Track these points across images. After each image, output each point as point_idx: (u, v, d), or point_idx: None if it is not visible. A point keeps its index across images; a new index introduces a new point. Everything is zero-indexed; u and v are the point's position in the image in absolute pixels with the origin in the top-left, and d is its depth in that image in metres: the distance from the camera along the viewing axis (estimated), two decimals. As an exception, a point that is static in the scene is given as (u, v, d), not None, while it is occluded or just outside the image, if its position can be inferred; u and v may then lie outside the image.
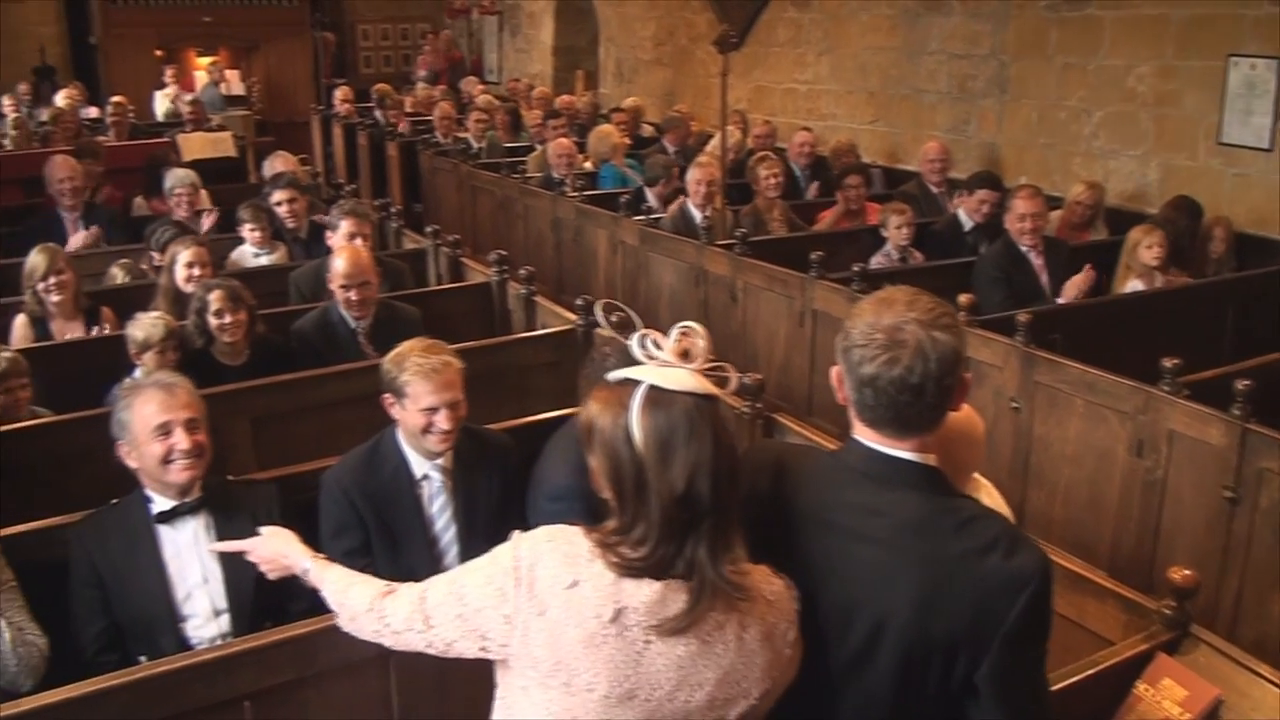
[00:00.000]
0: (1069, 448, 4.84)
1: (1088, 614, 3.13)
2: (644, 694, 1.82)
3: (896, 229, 6.78)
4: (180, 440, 3.17)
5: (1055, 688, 2.43)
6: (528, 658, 1.87)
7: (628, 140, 10.15)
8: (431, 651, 2.04)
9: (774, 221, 7.61)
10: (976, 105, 9.01)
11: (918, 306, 1.92)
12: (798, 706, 2.03)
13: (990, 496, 2.79)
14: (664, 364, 1.85)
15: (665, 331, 1.90)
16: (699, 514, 1.80)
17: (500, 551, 1.93)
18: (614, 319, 2.00)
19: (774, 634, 1.88)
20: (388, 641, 2.11)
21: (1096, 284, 6.13)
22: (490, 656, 1.96)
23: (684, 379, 1.83)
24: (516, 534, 1.94)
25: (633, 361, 1.88)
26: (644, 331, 1.89)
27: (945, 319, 1.93)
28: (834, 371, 2.03)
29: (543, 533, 1.92)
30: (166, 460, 3.17)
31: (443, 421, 3.34)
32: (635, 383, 1.83)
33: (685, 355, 1.87)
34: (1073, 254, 6.42)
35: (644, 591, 1.81)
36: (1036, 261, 6.26)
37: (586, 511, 2.02)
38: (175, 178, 7.22)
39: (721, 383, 1.91)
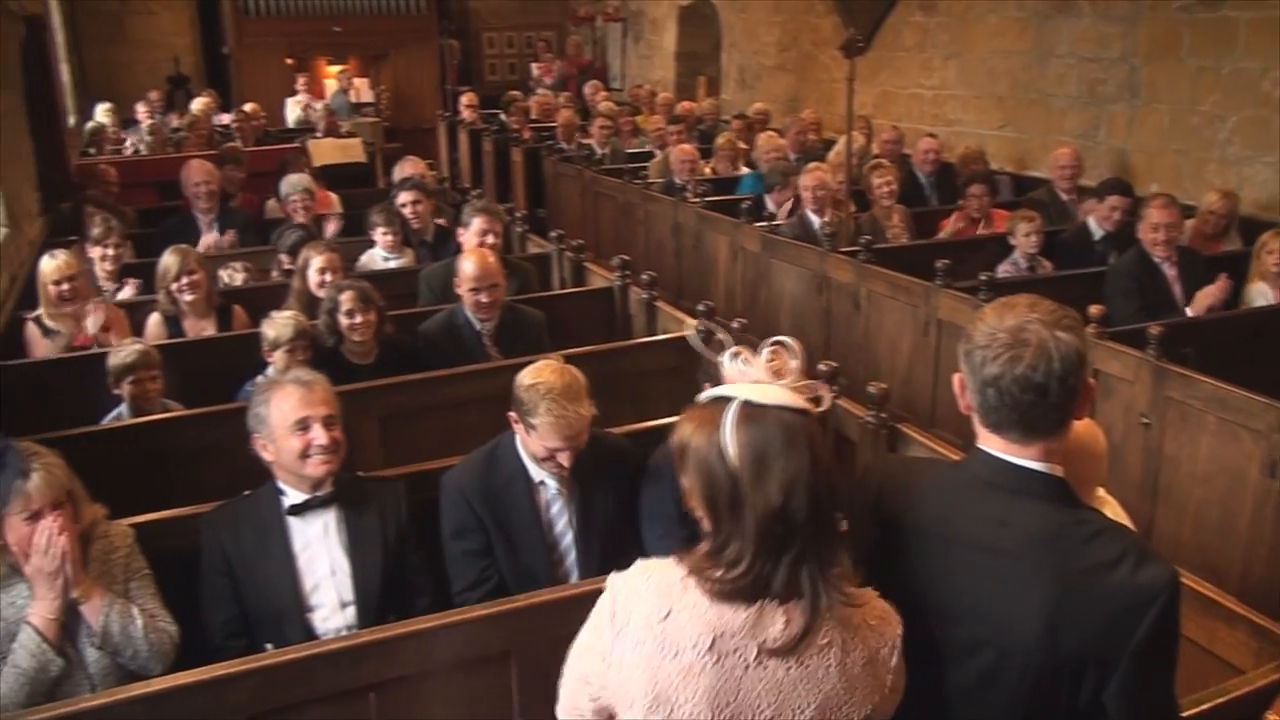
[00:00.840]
0: (1200, 466, 4.68)
1: (1217, 640, 3.03)
2: (747, 718, 1.79)
3: (1025, 237, 6.65)
4: (318, 435, 3.24)
5: (1183, 715, 2.36)
6: (626, 697, 1.85)
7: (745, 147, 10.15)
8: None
9: (894, 229, 7.52)
10: (1106, 110, 8.77)
11: (1040, 309, 1.91)
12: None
13: (1115, 513, 2.72)
14: (756, 381, 1.83)
15: (762, 342, 1.90)
16: (796, 529, 1.77)
17: (603, 596, 1.93)
18: (705, 335, 1.97)
19: (877, 659, 1.84)
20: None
21: (1230, 296, 5.93)
22: (599, 703, 1.94)
23: (777, 394, 1.81)
24: (613, 576, 1.94)
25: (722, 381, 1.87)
26: (735, 349, 1.88)
27: (1067, 320, 1.91)
28: (956, 378, 2.00)
29: (638, 568, 1.91)
30: (304, 454, 3.24)
31: (564, 459, 3.37)
32: (728, 400, 1.81)
33: (777, 374, 1.85)
34: (1207, 265, 6.21)
35: (740, 617, 1.79)
36: (1169, 272, 6.07)
37: (687, 539, 2.01)
38: (290, 184, 7.43)
39: (815, 401, 1.87)
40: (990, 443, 1.97)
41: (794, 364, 1.86)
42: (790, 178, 8.13)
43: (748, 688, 1.79)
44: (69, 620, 2.89)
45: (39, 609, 2.82)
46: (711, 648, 1.78)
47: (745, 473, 1.77)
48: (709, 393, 1.87)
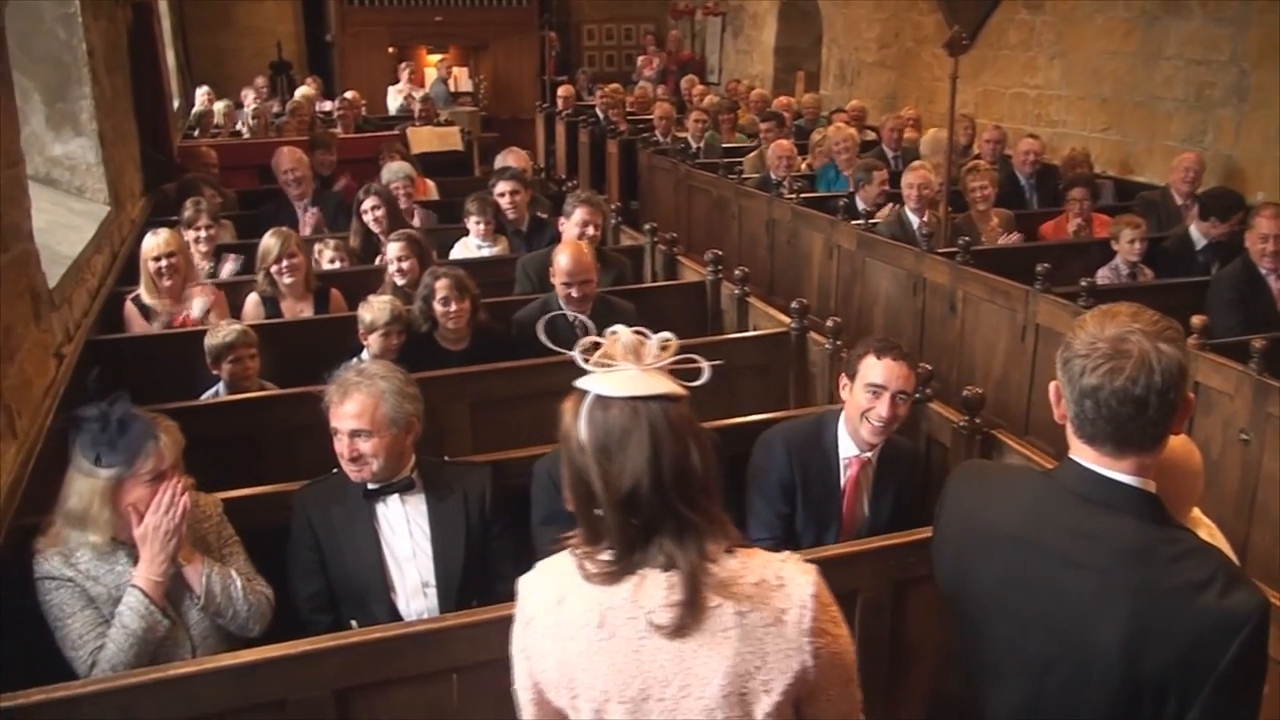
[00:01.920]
0: (1299, 486, 4.54)
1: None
2: (657, 693, 1.78)
3: (1129, 243, 6.49)
4: (341, 447, 3.30)
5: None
6: (551, 685, 1.87)
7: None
8: None
9: (990, 231, 7.39)
10: (1214, 115, 8.51)
11: (1142, 319, 1.87)
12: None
13: (1211, 534, 2.63)
14: (609, 368, 1.81)
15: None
16: (655, 512, 1.76)
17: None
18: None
19: (784, 619, 1.76)
20: None
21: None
22: (535, 702, 1.95)
23: (626, 381, 1.79)
24: (519, 578, 1.97)
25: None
26: (582, 342, 1.85)
27: (1170, 332, 1.87)
28: (1053, 386, 1.97)
29: (537, 566, 1.95)
30: (343, 457, 3.30)
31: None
32: (584, 392, 1.81)
33: (636, 355, 1.82)
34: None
35: (622, 590, 1.79)
36: (1276, 286, 5.90)
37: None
38: (391, 170, 7.53)
39: (696, 375, 1.85)
40: (1082, 454, 1.94)
41: (650, 342, 1.83)
42: (874, 173, 8.00)
43: (648, 659, 1.77)
44: (171, 585, 2.94)
45: (145, 570, 2.86)
46: (601, 625, 1.79)
47: (592, 466, 1.78)
48: (577, 382, 1.85)
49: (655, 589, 1.77)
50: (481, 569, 3.42)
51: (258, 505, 3.46)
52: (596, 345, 1.84)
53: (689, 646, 1.76)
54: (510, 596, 3.05)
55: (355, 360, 4.56)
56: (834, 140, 9.23)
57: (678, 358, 1.84)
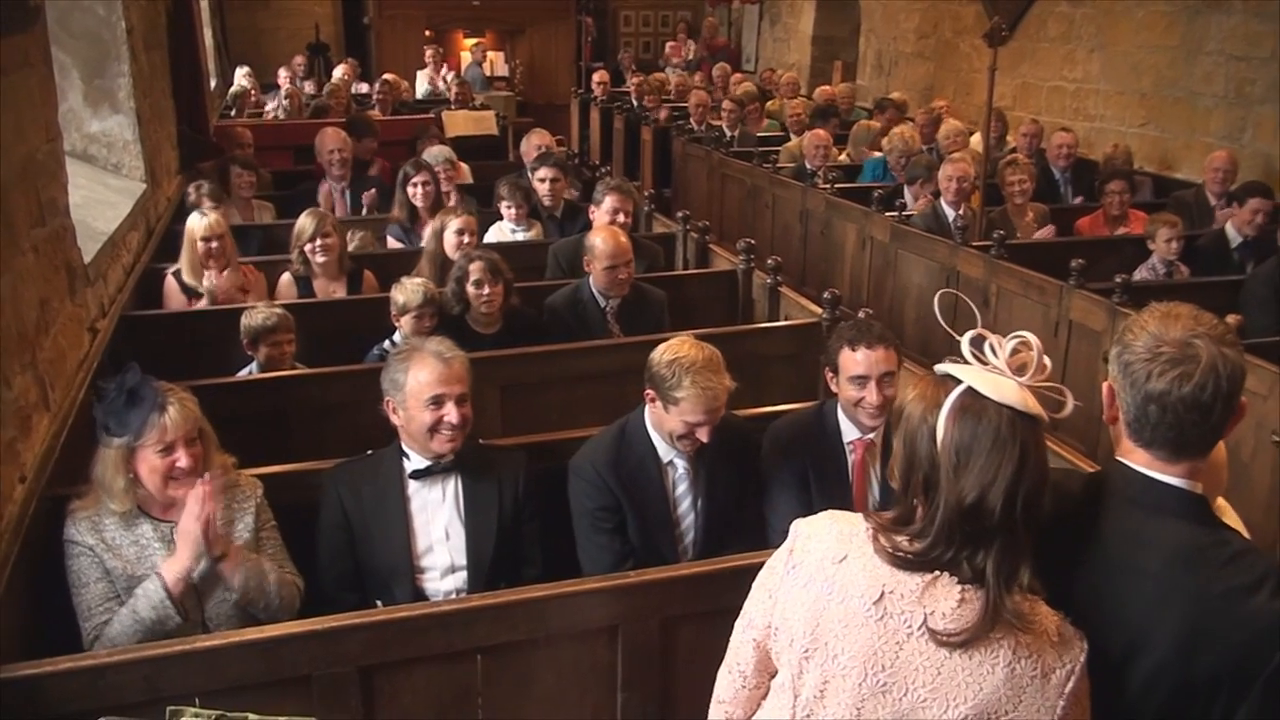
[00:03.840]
0: (1333, 489, 4.49)
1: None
2: (898, 691, 1.77)
3: (1165, 242, 6.42)
4: (450, 414, 3.26)
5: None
6: (787, 634, 1.87)
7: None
8: (733, 676, 2.07)
9: (1026, 226, 7.33)
10: (1254, 111, 8.40)
11: (1204, 321, 1.84)
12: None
13: (1234, 521, 2.61)
14: (993, 370, 1.79)
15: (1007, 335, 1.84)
16: (984, 529, 1.73)
17: (785, 541, 1.95)
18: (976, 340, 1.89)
19: (1050, 677, 1.75)
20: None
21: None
22: (760, 646, 1.96)
23: (1007, 390, 1.76)
24: (797, 521, 1.96)
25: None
26: (981, 332, 1.83)
27: (1230, 336, 1.85)
28: (1105, 387, 1.94)
29: (825, 515, 1.93)
30: (433, 429, 3.27)
31: (702, 435, 3.37)
32: (955, 382, 1.79)
33: (1019, 370, 1.79)
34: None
35: (913, 580, 1.77)
36: (1311, 284, 5.83)
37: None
38: (431, 154, 7.52)
39: (1056, 406, 1.83)
40: (1135, 457, 1.91)
41: (1038, 360, 1.80)
42: (934, 172, 7.94)
43: (906, 658, 1.76)
44: (205, 580, 2.97)
45: (173, 565, 2.88)
46: (878, 601, 1.78)
47: (946, 461, 1.76)
48: (942, 366, 1.83)
49: (947, 593, 1.76)
50: (511, 553, 3.42)
51: (287, 483, 3.46)
52: (983, 337, 1.82)
53: (954, 662, 1.75)
54: (536, 581, 3.11)
55: (388, 342, 4.60)
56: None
57: (1049, 384, 1.82)
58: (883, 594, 1.77)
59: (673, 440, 3.43)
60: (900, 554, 1.78)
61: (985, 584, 1.73)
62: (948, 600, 1.75)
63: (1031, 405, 1.76)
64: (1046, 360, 1.81)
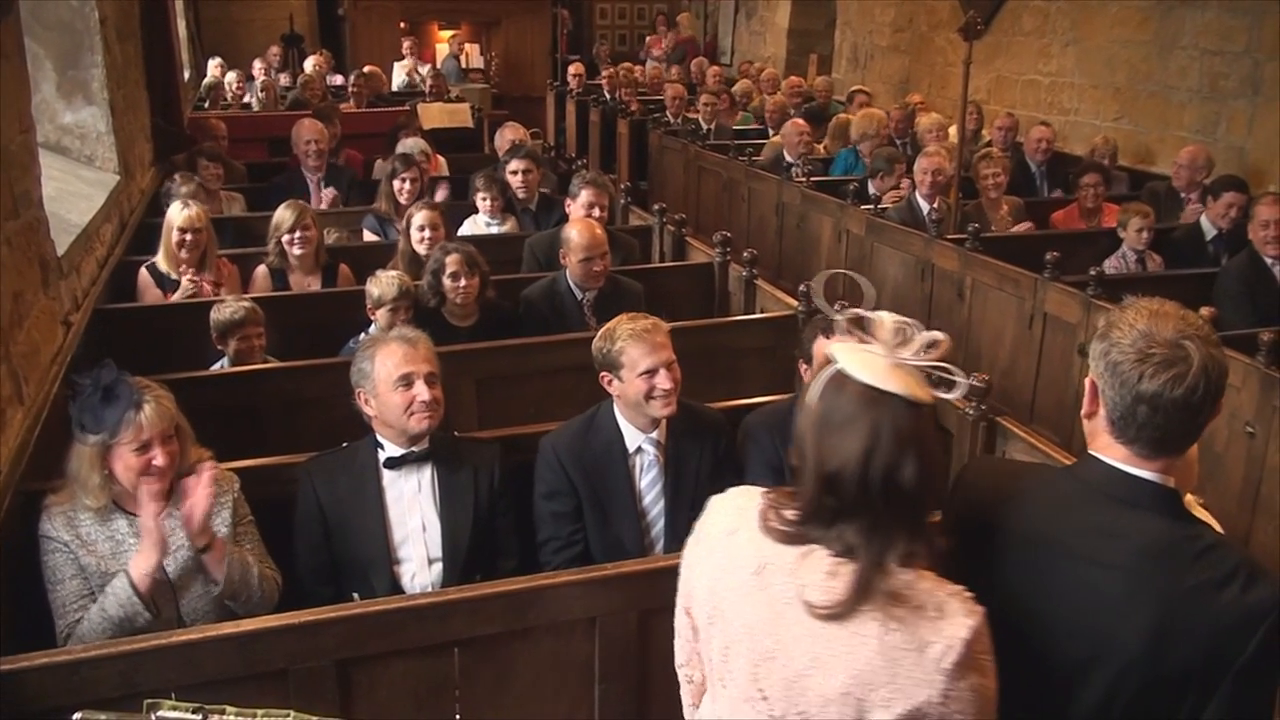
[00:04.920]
0: (1303, 480, 4.54)
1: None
2: (782, 660, 1.79)
3: (1137, 232, 6.47)
4: (421, 392, 3.29)
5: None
6: (696, 598, 1.94)
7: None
8: (680, 641, 2.14)
9: (1001, 219, 7.37)
10: (1227, 106, 8.44)
11: (1191, 322, 1.85)
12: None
13: (1205, 517, 2.63)
14: (868, 350, 1.79)
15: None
16: (847, 504, 1.75)
17: None
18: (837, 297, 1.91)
19: (926, 651, 1.72)
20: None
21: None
22: (685, 610, 2.03)
23: (873, 368, 1.76)
24: (713, 497, 2.02)
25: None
26: (858, 311, 1.84)
27: (1214, 336, 1.86)
28: (1089, 382, 1.94)
29: (732, 490, 1.99)
30: (407, 410, 3.28)
31: (663, 381, 3.37)
32: (833, 360, 1.81)
33: (901, 348, 1.78)
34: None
35: (789, 554, 1.81)
36: (1282, 277, 5.89)
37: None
38: (407, 146, 7.50)
39: (946, 386, 1.81)
40: (1112, 452, 1.91)
41: (920, 338, 1.79)
42: (895, 164, 7.99)
43: (787, 628, 1.78)
44: (188, 567, 2.97)
45: (139, 562, 2.87)
46: (759, 573, 1.82)
47: (810, 437, 1.79)
48: (833, 348, 1.83)
49: (818, 566, 1.78)
50: (487, 545, 3.43)
51: (262, 477, 3.46)
52: (862, 318, 1.82)
53: (829, 633, 1.75)
54: (513, 573, 3.11)
55: (363, 335, 4.59)
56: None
57: (934, 364, 1.79)
58: (763, 566, 1.82)
59: (648, 416, 3.44)
60: (779, 528, 1.83)
61: (858, 555, 1.75)
62: (817, 572, 1.77)
63: (899, 385, 1.75)
64: (941, 337, 1.80)
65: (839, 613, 1.73)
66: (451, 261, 4.81)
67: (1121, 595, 1.84)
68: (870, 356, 1.77)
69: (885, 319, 1.80)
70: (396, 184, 6.54)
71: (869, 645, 1.72)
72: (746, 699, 1.85)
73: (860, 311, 1.84)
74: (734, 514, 1.92)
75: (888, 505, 1.74)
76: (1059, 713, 1.93)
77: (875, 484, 1.73)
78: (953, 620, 1.73)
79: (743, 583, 1.84)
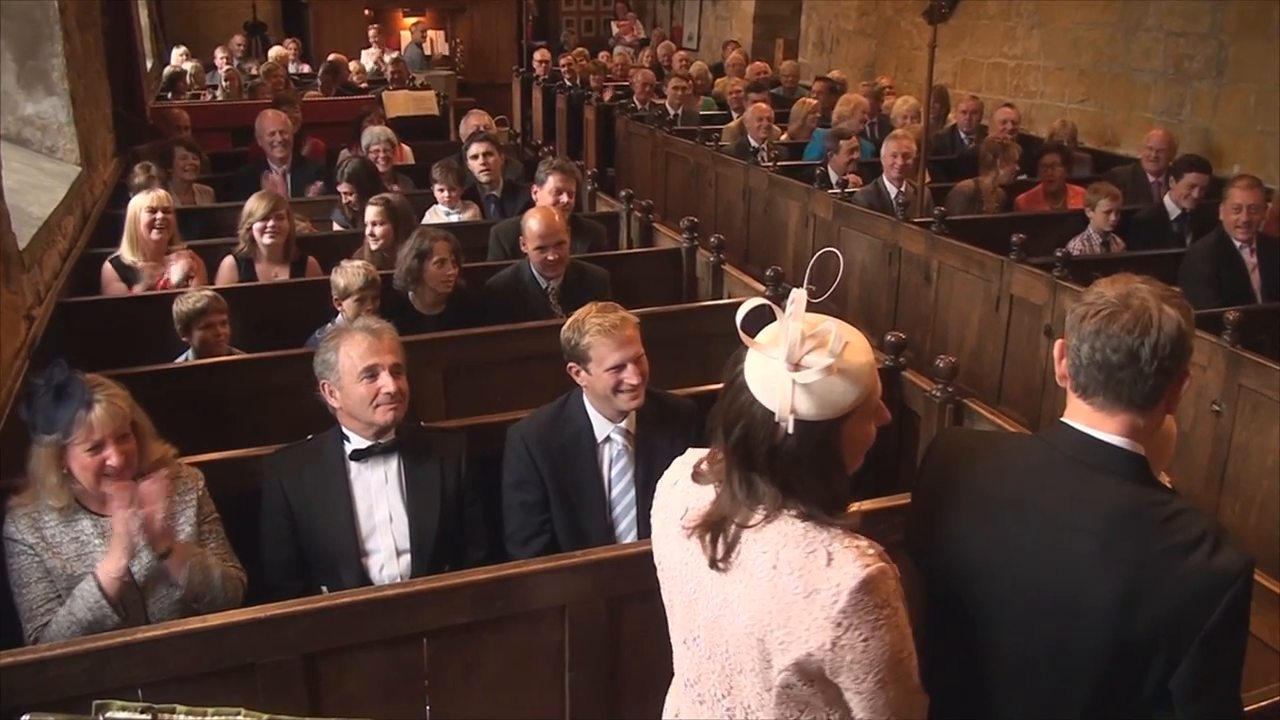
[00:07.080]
0: (1270, 457, 4.59)
1: (1280, 636, 2.96)
2: (704, 601, 1.88)
3: (1104, 213, 6.49)
4: (386, 384, 3.27)
5: (1245, 709, 2.30)
6: (655, 545, 2.03)
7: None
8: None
9: (994, 196, 7.45)
10: (1192, 87, 8.50)
11: (1153, 284, 1.91)
12: (973, 698, 1.98)
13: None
14: (770, 355, 1.78)
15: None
16: (745, 456, 1.81)
17: None
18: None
19: (815, 596, 1.73)
20: None
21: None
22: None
23: (762, 373, 1.78)
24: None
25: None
26: (805, 296, 1.81)
27: (1177, 299, 1.90)
28: (1058, 344, 1.98)
29: (695, 450, 2.05)
30: (372, 401, 3.27)
31: (630, 376, 3.37)
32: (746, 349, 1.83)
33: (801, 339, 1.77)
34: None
35: (706, 494, 1.90)
36: (1249, 260, 5.91)
37: None
38: (371, 134, 7.47)
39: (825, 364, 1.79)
40: (1076, 413, 1.95)
41: (823, 357, 1.76)
42: (841, 142, 7.96)
43: (704, 573, 1.86)
44: (150, 570, 2.94)
45: (107, 566, 2.84)
46: (683, 515, 1.92)
47: (721, 398, 1.88)
48: (760, 336, 1.84)
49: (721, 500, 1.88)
50: (455, 535, 3.42)
51: (227, 471, 3.43)
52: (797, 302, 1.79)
53: (731, 576, 1.83)
54: (481, 563, 3.10)
55: (330, 326, 4.56)
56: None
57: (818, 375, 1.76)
58: (687, 510, 1.92)
59: (615, 409, 3.44)
60: (704, 472, 1.93)
61: (760, 501, 1.81)
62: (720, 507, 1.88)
63: (783, 400, 1.75)
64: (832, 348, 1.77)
65: (717, 555, 1.83)
66: (440, 248, 4.82)
67: (1092, 558, 1.86)
68: (765, 361, 1.79)
69: (789, 327, 1.77)
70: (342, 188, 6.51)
71: (761, 588, 1.78)
72: (684, 640, 1.98)
73: (802, 293, 1.80)
74: (679, 466, 2.03)
75: (770, 471, 1.80)
76: (1029, 673, 1.94)
77: (761, 450, 1.79)
78: (842, 569, 1.73)
79: (672, 530, 1.94)
